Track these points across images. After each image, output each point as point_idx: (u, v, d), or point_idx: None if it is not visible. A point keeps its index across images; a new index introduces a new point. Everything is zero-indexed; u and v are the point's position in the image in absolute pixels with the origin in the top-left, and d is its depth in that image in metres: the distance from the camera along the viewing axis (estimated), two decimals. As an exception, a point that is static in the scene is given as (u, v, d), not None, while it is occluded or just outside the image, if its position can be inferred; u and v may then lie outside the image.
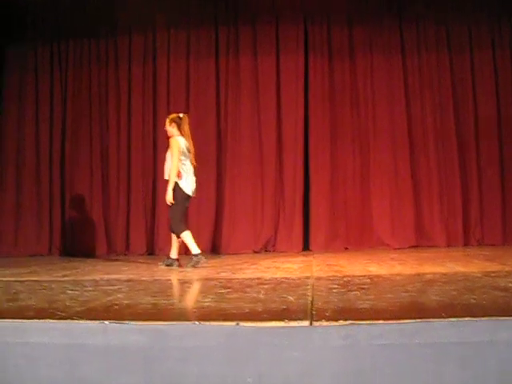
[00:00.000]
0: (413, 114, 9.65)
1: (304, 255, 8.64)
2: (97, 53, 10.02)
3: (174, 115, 7.17)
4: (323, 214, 9.53)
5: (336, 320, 2.88)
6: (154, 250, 9.58)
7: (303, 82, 9.76)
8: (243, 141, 9.66)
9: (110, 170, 9.88)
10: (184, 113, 7.27)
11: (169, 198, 6.74)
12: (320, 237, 9.46)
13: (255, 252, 9.22)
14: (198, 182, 7.07)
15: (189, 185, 6.87)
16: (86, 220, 9.81)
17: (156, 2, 9.80)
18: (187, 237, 6.80)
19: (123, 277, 5.95)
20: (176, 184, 6.75)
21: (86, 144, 9.90)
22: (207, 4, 9.89)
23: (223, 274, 5.94)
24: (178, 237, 6.87)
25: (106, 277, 5.93)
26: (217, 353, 2.82)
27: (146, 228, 9.73)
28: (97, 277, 5.93)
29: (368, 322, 2.86)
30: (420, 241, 9.42)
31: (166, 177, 6.90)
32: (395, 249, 9.08)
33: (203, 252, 9.25)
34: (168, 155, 6.95)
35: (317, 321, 2.90)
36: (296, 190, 9.58)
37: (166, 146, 7.13)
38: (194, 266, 6.63)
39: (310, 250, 9.28)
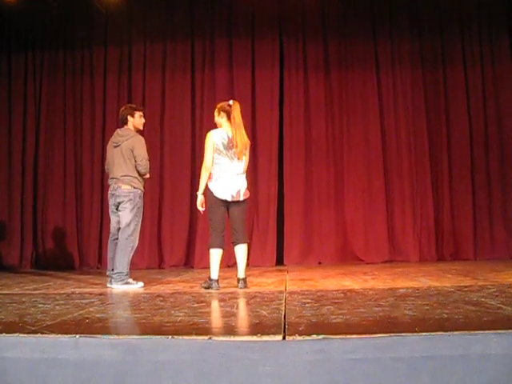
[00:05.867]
0: (386, 129, 9.74)
1: (277, 269, 8.63)
2: (72, 63, 9.94)
3: (222, 103, 6.03)
4: (297, 228, 9.56)
5: (309, 334, 2.88)
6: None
7: (278, 96, 9.80)
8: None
9: (83, 181, 9.76)
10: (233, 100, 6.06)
11: (197, 203, 5.84)
12: (294, 251, 9.47)
13: (228, 266, 9.13)
14: (249, 183, 6.16)
15: (220, 187, 5.81)
16: (58, 232, 9.68)
17: (132, 15, 9.81)
18: (214, 255, 5.84)
19: (95, 290, 5.90)
20: (206, 186, 5.83)
21: (60, 154, 9.80)
22: (183, 17, 9.90)
23: (196, 288, 5.90)
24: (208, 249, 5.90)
25: (77, 290, 5.87)
26: (189, 367, 2.80)
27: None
28: (68, 290, 5.86)
29: (341, 336, 2.86)
30: (393, 255, 9.48)
31: None
32: (368, 263, 9.12)
33: (176, 265, 9.36)
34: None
35: (290, 335, 2.89)
36: (270, 204, 9.59)
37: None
38: (205, 288, 5.80)
39: (284, 265, 9.28)
